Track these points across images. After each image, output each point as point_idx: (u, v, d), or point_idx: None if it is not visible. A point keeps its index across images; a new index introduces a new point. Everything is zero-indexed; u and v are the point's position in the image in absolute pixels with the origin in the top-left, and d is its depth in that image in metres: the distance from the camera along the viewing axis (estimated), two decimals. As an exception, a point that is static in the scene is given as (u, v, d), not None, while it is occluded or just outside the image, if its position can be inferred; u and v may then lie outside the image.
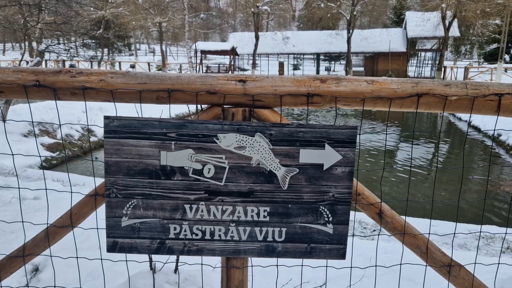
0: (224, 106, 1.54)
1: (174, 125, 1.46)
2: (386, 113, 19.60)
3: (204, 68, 31.27)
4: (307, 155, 1.44)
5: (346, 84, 1.49)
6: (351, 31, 29.45)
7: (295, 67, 37.95)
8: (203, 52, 31.01)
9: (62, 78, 1.50)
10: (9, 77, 1.47)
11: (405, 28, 31.23)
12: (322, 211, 1.49)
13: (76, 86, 1.51)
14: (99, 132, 11.64)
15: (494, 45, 37.46)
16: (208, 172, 1.46)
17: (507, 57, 34.11)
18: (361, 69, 33.55)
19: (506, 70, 30.19)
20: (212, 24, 46.94)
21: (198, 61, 32.00)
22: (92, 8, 29.90)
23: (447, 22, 27.33)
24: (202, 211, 1.48)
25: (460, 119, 15.99)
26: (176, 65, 37.19)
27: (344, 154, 1.45)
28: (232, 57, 31.57)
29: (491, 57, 37.02)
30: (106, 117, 1.45)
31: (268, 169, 1.46)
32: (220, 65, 31.23)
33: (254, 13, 30.55)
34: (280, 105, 1.50)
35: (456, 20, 28.09)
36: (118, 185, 1.47)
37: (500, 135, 11.64)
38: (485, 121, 13.50)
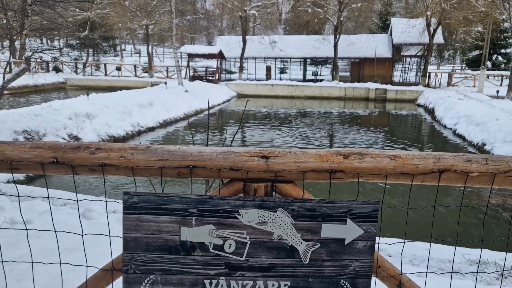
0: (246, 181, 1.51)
1: (195, 200, 1.43)
2: (374, 120, 19.86)
3: (191, 72, 31.11)
4: (329, 230, 1.43)
5: (369, 160, 1.49)
6: (337, 36, 29.69)
7: (282, 71, 38.05)
8: (191, 55, 30.85)
9: (81, 155, 1.47)
10: (25, 154, 1.42)
11: (390, 34, 31.60)
12: (343, 284, 1.48)
13: (95, 163, 1.47)
14: (86, 139, 11.45)
15: (476, 52, 38.19)
16: (229, 248, 1.43)
17: (489, 63, 34.82)
18: (348, 74, 33.83)
19: (488, 76, 30.76)
20: (199, 26, 46.74)
21: (185, 64, 31.81)
22: (77, 10, 29.45)
23: (431, 29, 27.76)
24: (222, 286, 1.46)
25: (445, 126, 16.23)
26: (162, 67, 36.93)
27: (366, 229, 1.45)
28: (219, 60, 31.49)
29: (474, 64, 37.74)
30: (125, 193, 1.41)
31: (290, 244, 1.44)
32: (208, 68, 31.12)
33: (241, 17, 30.54)
34: (302, 179, 1.48)
35: (440, 27, 28.56)
36: (137, 260, 1.43)
37: (485, 145, 11.87)
38: (470, 130, 13.75)
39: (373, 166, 1.48)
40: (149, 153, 1.51)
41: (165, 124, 15.50)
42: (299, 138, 13.91)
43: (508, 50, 37.25)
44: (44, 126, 10.36)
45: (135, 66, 34.64)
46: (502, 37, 36.17)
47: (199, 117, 18.79)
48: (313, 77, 32.30)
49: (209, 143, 11.69)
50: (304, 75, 34.41)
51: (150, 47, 34.52)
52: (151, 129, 14.35)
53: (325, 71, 40.27)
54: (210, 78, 30.41)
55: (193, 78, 29.70)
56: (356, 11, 30.37)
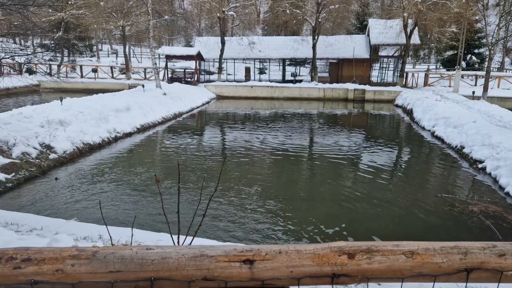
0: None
1: None
2: (352, 120, 19.93)
3: (170, 73, 30.64)
4: None
5: (380, 260, 1.22)
6: (316, 37, 29.73)
7: (261, 71, 37.92)
8: (169, 56, 30.38)
9: (1, 270, 1.12)
10: None
11: (368, 35, 31.85)
12: None
13: (22, 281, 1.13)
14: (59, 148, 11.00)
15: (451, 52, 38.91)
16: None
17: (463, 63, 35.49)
18: (326, 74, 33.96)
19: (462, 76, 31.32)
20: (177, 27, 46.15)
21: (163, 65, 31.31)
22: (50, 10, 28.59)
23: (408, 30, 28.09)
24: None
25: (423, 128, 16.38)
26: (140, 69, 36.27)
27: None
28: (198, 61, 31.12)
29: (449, 63, 38.45)
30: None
31: None
32: (186, 70, 30.70)
33: (220, 18, 30.25)
34: (297, 284, 1.22)
35: (416, 28, 28.93)
36: None
37: (464, 148, 11.99)
38: (448, 133, 13.89)
39: (385, 267, 1.22)
40: (96, 262, 1.18)
41: (143, 129, 15.14)
42: (278, 142, 13.79)
43: (481, 50, 38.09)
44: (14, 135, 9.91)
45: (112, 67, 33.92)
46: (476, 37, 36.94)
47: (178, 120, 18.47)
48: (292, 78, 32.29)
49: (179, 161, 11.40)
50: (283, 75, 34.37)
51: (127, 48, 33.86)
52: (128, 134, 13.99)
53: (304, 72, 40.33)
54: (189, 79, 30.03)
55: (171, 80, 29.26)
56: (334, 12, 30.47)
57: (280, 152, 12.21)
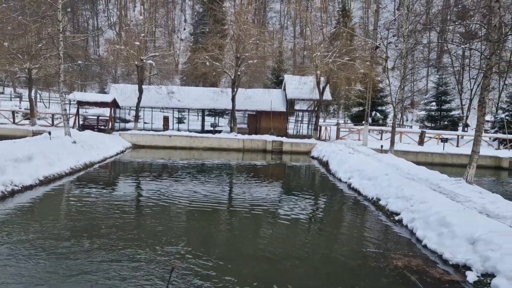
0: None
1: None
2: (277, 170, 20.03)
3: (81, 120, 28.78)
4: None
5: None
6: (235, 89, 30.31)
7: (180, 121, 37.44)
8: (81, 103, 28.66)
9: None
10: None
11: (284, 90, 33.32)
12: None
13: None
14: None
15: (357, 108, 42.16)
16: None
17: (369, 119, 38.53)
18: (245, 126, 34.49)
19: (369, 131, 33.75)
20: (91, 73, 44.30)
21: (75, 112, 29.38)
22: None
23: (321, 87, 29.89)
24: None
25: (340, 180, 16.91)
26: (47, 114, 33.72)
27: None
28: (113, 109, 29.77)
29: (356, 118, 41.49)
30: None
31: None
32: (100, 117, 29.11)
33: (137, 66, 29.61)
34: None
35: (328, 85, 30.94)
36: None
37: (380, 200, 12.43)
38: (364, 185, 14.42)
39: None
40: None
41: (47, 181, 13.58)
42: (197, 194, 13.19)
43: (384, 108, 41.79)
44: None
45: (13, 112, 31.05)
46: (379, 96, 40.58)
47: (88, 171, 17.01)
48: (211, 128, 32.20)
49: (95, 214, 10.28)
50: (203, 126, 34.20)
51: (33, 92, 31.40)
52: (29, 187, 12.40)
53: (223, 122, 40.65)
54: (103, 127, 28.44)
55: (83, 128, 27.45)
56: (252, 67, 31.55)
57: (198, 205, 11.60)
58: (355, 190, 14.60)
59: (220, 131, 31.81)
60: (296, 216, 11.01)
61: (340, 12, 58.21)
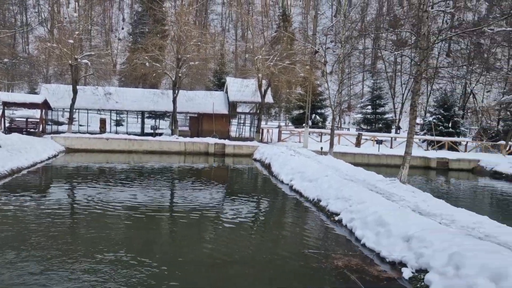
0: None
1: None
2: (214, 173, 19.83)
3: (8, 122, 26.73)
4: None
5: None
6: (176, 91, 29.74)
7: (118, 123, 36.04)
8: (7, 104, 26.61)
9: None
10: None
11: (226, 92, 33.24)
12: None
13: None
14: None
15: (298, 111, 43.13)
16: None
17: (309, 122, 39.56)
18: (187, 128, 33.95)
19: (310, 133, 34.58)
20: (19, 71, 41.36)
21: (0, 113, 27.23)
22: None
23: (263, 90, 30.18)
24: None
25: (282, 182, 17.10)
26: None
27: None
28: (44, 110, 27.97)
29: (297, 121, 42.42)
30: None
31: None
32: (29, 119, 27.22)
33: (71, 65, 28.10)
34: None
35: (270, 88, 31.32)
36: None
37: (320, 201, 12.71)
38: (305, 186, 14.68)
39: None
40: None
41: (-34, 189, 12.40)
42: (135, 198, 12.70)
43: (323, 111, 43.10)
44: None
45: None
46: (318, 99, 41.79)
47: (16, 177, 15.79)
48: (152, 131, 31.32)
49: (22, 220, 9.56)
50: (142, 128, 33.17)
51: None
52: None
53: (164, 125, 39.75)
54: (32, 130, 26.63)
55: (9, 130, 25.51)
56: (194, 68, 31.14)
57: (138, 211, 11.17)
58: (297, 192, 14.83)
59: (161, 134, 31.04)
60: (239, 219, 10.95)
61: (281, 17, 59.32)
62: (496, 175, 25.04)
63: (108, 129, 32.08)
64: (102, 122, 31.68)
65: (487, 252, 6.35)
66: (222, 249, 8.40)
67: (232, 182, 18.98)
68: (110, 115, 34.25)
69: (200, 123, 32.31)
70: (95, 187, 14.56)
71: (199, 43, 31.54)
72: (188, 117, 35.12)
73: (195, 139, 28.57)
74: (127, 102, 31.10)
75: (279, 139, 32.88)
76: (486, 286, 5.50)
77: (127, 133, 30.72)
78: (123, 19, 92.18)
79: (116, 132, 31.03)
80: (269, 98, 31.92)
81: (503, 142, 33.02)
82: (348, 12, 26.15)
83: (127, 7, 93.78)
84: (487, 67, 48.21)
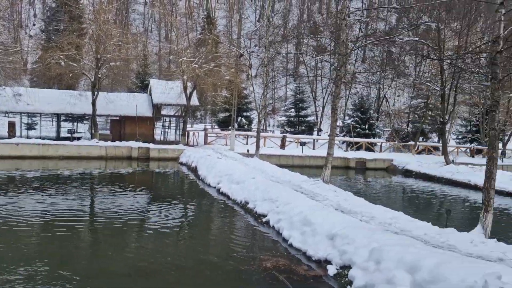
0: None
1: None
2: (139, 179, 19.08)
3: None
4: None
5: None
6: (96, 93, 28.22)
7: (30, 127, 33.24)
8: None
9: None
10: None
11: (150, 94, 32.25)
12: None
13: None
14: None
15: (224, 114, 43.23)
16: None
17: (235, 124, 39.80)
18: (108, 132, 32.35)
19: (236, 136, 34.78)
20: None
21: None
22: None
23: (188, 92, 29.75)
24: None
25: (209, 185, 16.96)
26: None
27: None
28: None
29: (223, 124, 42.48)
30: None
31: None
32: None
33: (-26, 63, 25.39)
34: None
35: (195, 90, 30.96)
36: None
37: (248, 203, 12.79)
38: (232, 189, 14.69)
39: None
40: None
41: None
42: (51, 208, 11.80)
43: (249, 113, 43.63)
44: None
45: None
46: (244, 102, 42.22)
47: None
48: (69, 135, 29.34)
49: None
50: (58, 132, 30.95)
51: None
52: None
53: (83, 128, 37.52)
54: None
55: None
56: (115, 69, 29.77)
57: (54, 221, 10.37)
58: (225, 195, 14.79)
59: (79, 138, 29.20)
60: (165, 225, 10.63)
61: (205, 19, 59.13)
62: (407, 173, 27.17)
63: (18, 133, 29.47)
64: (11, 125, 29.01)
65: (403, 246, 6.81)
66: (148, 257, 8.09)
67: (157, 187, 18.44)
68: (21, 118, 31.50)
69: (122, 126, 30.96)
70: (2, 197, 13.26)
71: (120, 43, 30.23)
72: (110, 120, 33.49)
73: (117, 143, 27.33)
74: (40, 104, 28.82)
75: (206, 142, 32.64)
76: (403, 278, 5.89)
77: (40, 137, 28.46)
78: (35, 15, 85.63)
79: (28, 137, 28.62)
80: (194, 101, 31.54)
81: (412, 142, 35.92)
82: (271, 17, 26.77)
83: (39, 2, 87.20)
84: (398, 73, 52.21)
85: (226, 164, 18.48)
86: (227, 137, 32.66)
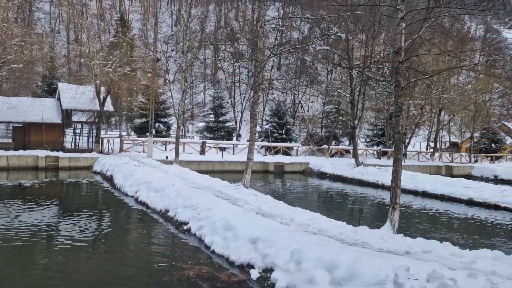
0: None
1: None
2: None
3: None
4: None
5: None
6: (-5, 97, 25.63)
7: None
8: None
9: None
10: None
11: (59, 99, 30.11)
12: None
13: None
14: None
15: (141, 120, 41.79)
16: None
17: (153, 130, 38.63)
18: (10, 140, 29.50)
19: (154, 142, 33.86)
20: None
21: None
22: None
23: (101, 97, 28.29)
24: None
25: (126, 194, 16.24)
26: None
27: None
28: None
29: (140, 130, 41.03)
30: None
31: None
32: None
33: None
34: None
35: (109, 95, 29.54)
36: None
37: (168, 211, 12.46)
38: (151, 197, 14.22)
39: None
40: None
41: None
42: None
43: (167, 119, 42.67)
44: None
45: None
46: (162, 107, 41.23)
47: None
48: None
49: None
50: None
51: None
52: None
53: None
54: None
55: None
56: (17, 72, 27.31)
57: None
58: (143, 204, 14.26)
59: (-26, 148, 26.24)
60: (78, 239, 9.93)
61: (119, 22, 56.72)
62: (322, 175, 28.55)
63: None
64: None
65: (322, 246, 7.11)
66: (58, 275, 7.48)
67: (68, 198, 17.20)
68: None
69: (27, 134, 28.44)
70: None
71: (22, 43, 27.81)
72: (11, 127, 30.57)
73: (21, 152, 25.04)
74: None
75: (121, 150, 31.25)
76: (322, 276, 6.13)
77: None
78: None
79: None
80: (109, 106, 30.06)
81: (326, 146, 37.85)
82: (188, 22, 26.55)
83: None
84: (311, 80, 54.80)
85: (144, 172, 17.85)
86: (145, 144, 31.61)
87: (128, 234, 11.53)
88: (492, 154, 48.40)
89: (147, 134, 30.91)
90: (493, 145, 50.33)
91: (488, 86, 52.53)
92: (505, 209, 17.61)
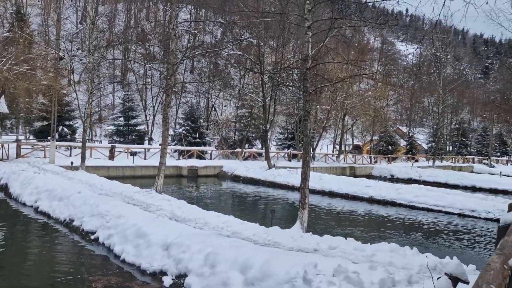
0: None
1: None
2: None
3: None
4: None
5: None
6: None
7: None
8: None
9: None
10: None
11: None
12: None
13: None
14: None
15: (42, 123, 38.57)
16: None
17: (56, 135, 35.85)
18: None
19: (57, 147, 31.50)
20: None
21: None
22: None
23: (-6, 98, 25.59)
24: None
25: (24, 204, 14.86)
26: None
27: None
28: None
29: (41, 134, 37.83)
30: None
31: None
32: None
33: None
34: None
35: (3, 96, 26.86)
36: None
37: (73, 220, 11.66)
38: (54, 206, 13.20)
39: None
40: None
41: None
42: None
43: (72, 122, 39.92)
44: None
45: None
46: (66, 109, 38.45)
47: None
48: None
49: None
50: None
51: None
52: None
53: None
54: None
55: None
56: None
57: None
58: (45, 214, 13.16)
59: None
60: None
61: (15, 15, 51.80)
62: (236, 178, 28.89)
63: None
64: None
65: (236, 248, 7.20)
66: None
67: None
68: None
69: None
70: None
71: None
72: None
73: None
74: None
75: (18, 155, 28.49)
76: (236, 278, 6.22)
77: None
78: None
79: None
80: (3, 108, 27.31)
81: (239, 149, 38.38)
82: (95, 20, 25.21)
83: None
84: (224, 84, 55.23)
85: (46, 179, 16.48)
86: (46, 149, 29.21)
87: (27, 247, 10.55)
88: (389, 155, 53.04)
89: (49, 138, 28.57)
90: (389, 147, 55.18)
91: (385, 93, 57.51)
92: (400, 205, 19.42)
